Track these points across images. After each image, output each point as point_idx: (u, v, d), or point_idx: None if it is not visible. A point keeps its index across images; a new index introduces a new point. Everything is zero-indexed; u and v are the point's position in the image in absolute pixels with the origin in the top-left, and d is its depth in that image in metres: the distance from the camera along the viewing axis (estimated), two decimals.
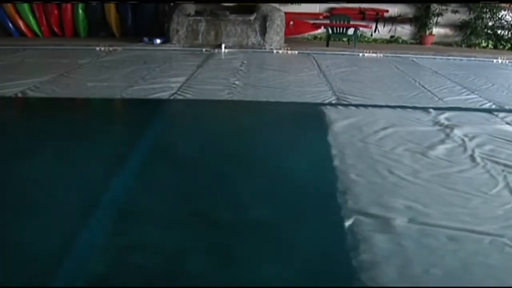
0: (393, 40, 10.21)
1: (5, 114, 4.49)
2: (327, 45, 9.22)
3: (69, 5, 9.27)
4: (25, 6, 9.16)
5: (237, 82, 5.80)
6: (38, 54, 7.69)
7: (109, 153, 3.33)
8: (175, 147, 3.54)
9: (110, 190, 2.71)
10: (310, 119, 4.38)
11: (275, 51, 8.50)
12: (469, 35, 9.94)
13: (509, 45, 9.93)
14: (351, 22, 9.45)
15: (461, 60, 8.36)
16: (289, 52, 8.54)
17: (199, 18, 8.63)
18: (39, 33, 9.45)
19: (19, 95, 4.93)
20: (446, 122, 4.14)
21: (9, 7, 9.15)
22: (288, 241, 2.19)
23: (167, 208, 2.51)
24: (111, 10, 9.34)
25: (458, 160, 3.24)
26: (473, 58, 8.51)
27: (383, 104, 4.84)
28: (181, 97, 5.03)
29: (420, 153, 3.34)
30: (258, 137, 3.88)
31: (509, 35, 10.01)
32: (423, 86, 5.82)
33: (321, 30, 9.79)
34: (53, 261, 2.00)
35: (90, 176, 2.90)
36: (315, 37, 10.11)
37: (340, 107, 4.61)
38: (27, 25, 9.39)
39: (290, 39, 9.27)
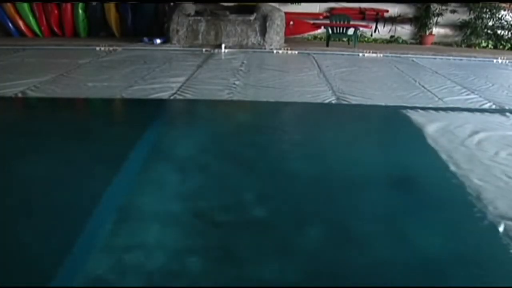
0: (393, 40, 10.22)
1: (5, 114, 4.48)
2: (327, 45, 9.22)
3: (69, 5, 9.27)
4: (25, 6, 9.16)
5: (237, 82, 5.80)
6: (38, 54, 7.68)
7: (109, 153, 3.33)
8: (175, 147, 3.53)
9: (110, 190, 2.71)
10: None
11: (275, 51, 8.50)
12: (469, 35, 9.94)
13: (509, 45, 9.93)
14: (351, 22, 9.45)
15: (461, 60, 8.35)
16: (289, 52, 8.53)
17: (199, 18, 8.62)
18: (39, 33, 9.45)
19: (19, 95, 4.93)
20: None
21: (9, 7, 9.15)
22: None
23: (167, 208, 2.51)
24: (111, 10, 9.34)
25: None
26: (473, 58, 8.51)
27: (462, 107, 4.89)
28: (181, 97, 5.03)
29: None
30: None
31: (509, 35, 10.01)
32: (423, 86, 5.82)
33: (321, 30, 9.79)
34: (53, 261, 2.00)
35: (90, 176, 2.90)
36: (315, 37, 10.11)
37: (420, 110, 4.62)
38: (27, 25, 9.39)
39: (290, 39, 9.27)
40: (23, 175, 2.92)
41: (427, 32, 10.05)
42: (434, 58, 8.38)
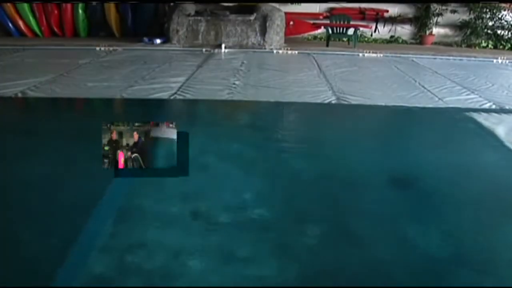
0: (393, 40, 10.23)
1: (5, 114, 4.51)
2: (327, 45, 9.24)
3: (69, 5, 9.27)
4: (25, 6, 9.16)
5: (237, 82, 5.83)
6: (38, 54, 7.70)
7: None
8: None
9: (109, 189, 2.74)
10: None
11: (275, 51, 8.53)
12: (469, 35, 9.95)
13: (509, 45, 9.92)
14: (351, 22, 9.47)
15: (461, 60, 8.37)
16: (289, 52, 8.56)
17: (199, 18, 8.64)
18: (39, 33, 9.45)
19: (19, 95, 4.95)
20: None
21: (9, 7, 9.15)
22: None
23: (166, 208, 2.53)
24: (111, 10, 9.35)
25: None
26: (473, 58, 8.51)
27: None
28: (181, 97, 5.06)
29: None
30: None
31: (509, 35, 10.01)
32: (423, 86, 5.84)
33: (321, 30, 9.80)
34: (53, 261, 2.02)
35: (89, 176, 2.91)
36: (315, 37, 10.13)
37: (483, 113, 4.68)
38: (27, 25, 9.38)
39: (290, 39, 9.29)
40: (23, 175, 2.93)
41: (427, 32, 10.06)
42: (434, 58, 8.39)
